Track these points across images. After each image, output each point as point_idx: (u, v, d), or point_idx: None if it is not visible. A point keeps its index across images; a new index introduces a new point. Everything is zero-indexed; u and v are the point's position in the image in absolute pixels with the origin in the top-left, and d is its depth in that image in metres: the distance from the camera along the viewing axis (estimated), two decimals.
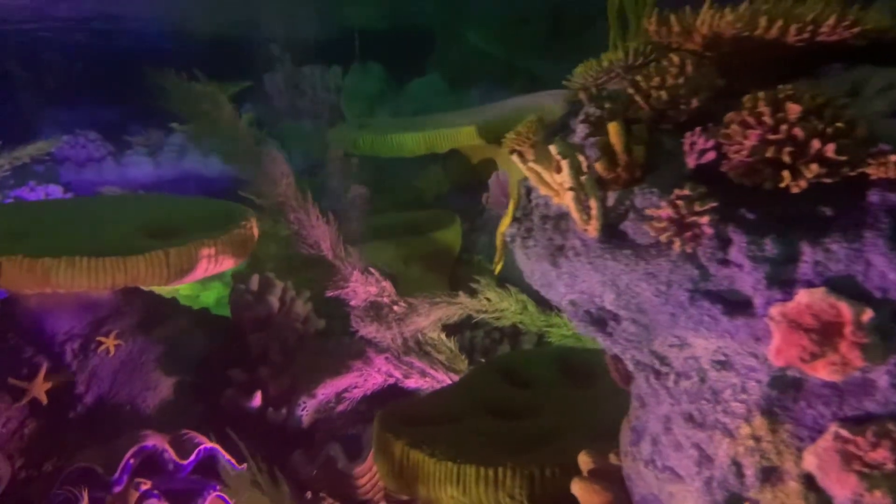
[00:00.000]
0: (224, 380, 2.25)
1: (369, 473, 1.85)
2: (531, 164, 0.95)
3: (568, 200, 0.91)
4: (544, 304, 2.26)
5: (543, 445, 1.35)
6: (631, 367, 1.00)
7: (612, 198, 0.93)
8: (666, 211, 0.83)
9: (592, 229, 0.91)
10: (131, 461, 1.67)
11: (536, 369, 1.63)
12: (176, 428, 2.08)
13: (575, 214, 0.92)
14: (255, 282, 2.40)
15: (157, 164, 5.01)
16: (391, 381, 1.86)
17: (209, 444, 1.74)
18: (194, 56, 5.53)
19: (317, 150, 5.24)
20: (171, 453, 1.69)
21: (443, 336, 2.17)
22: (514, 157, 0.98)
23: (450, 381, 1.87)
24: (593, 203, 0.91)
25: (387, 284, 1.99)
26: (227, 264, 1.96)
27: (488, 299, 1.99)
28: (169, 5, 5.06)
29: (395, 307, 1.96)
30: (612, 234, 0.92)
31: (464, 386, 1.62)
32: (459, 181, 3.68)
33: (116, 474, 1.66)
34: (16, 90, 5.25)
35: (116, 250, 1.85)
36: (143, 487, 1.66)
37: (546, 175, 0.95)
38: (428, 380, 1.83)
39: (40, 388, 1.97)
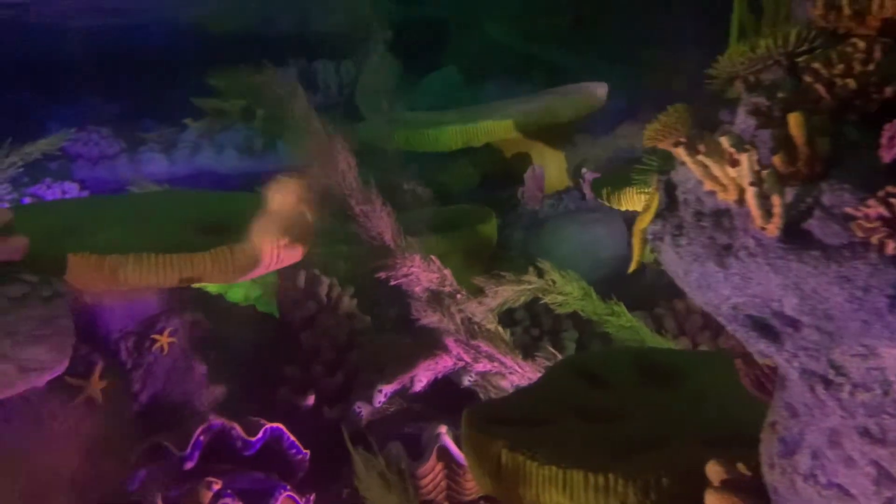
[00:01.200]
0: (276, 377, 2.18)
1: (432, 474, 1.78)
2: (700, 158, 0.87)
3: (748, 197, 0.84)
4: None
5: (646, 451, 1.28)
6: (794, 375, 0.92)
7: (789, 194, 0.85)
8: (876, 209, 0.75)
9: (773, 228, 0.84)
10: (201, 438, 1.61)
11: (613, 370, 1.56)
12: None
13: (755, 212, 0.84)
14: (301, 278, 2.33)
15: (171, 160, 4.90)
16: (460, 364, 1.79)
17: (274, 425, 1.67)
18: (206, 51, 5.44)
19: None
20: (239, 430, 1.64)
21: (499, 328, 2.11)
22: (679, 150, 0.90)
23: (517, 367, 1.80)
24: (776, 200, 0.83)
25: (447, 273, 1.93)
26: (288, 260, 1.88)
27: (553, 280, 1.94)
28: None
29: (458, 294, 1.90)
30: (795, 234, 0.84)
31: (543, 387, 1.55)
32: (488, 175, 3.60)
33: (188, 450, 1.60)
34: (23, 85, 5.13)
35: (175, 247, 1.77)
36: (216, 487, 1.59)
37: (717, 169, 0.87)
38: (496, 364, 1.77)
39: (96, 387, 1.90)
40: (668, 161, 1.02)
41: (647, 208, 1.14)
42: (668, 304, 2.55)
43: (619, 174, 2.48)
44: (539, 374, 1.78)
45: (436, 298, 1.87)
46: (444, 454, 1.76)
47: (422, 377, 1.87)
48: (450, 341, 1.76)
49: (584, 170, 3.06)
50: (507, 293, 1.91)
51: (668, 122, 1.00)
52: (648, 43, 4.63)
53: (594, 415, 1.39)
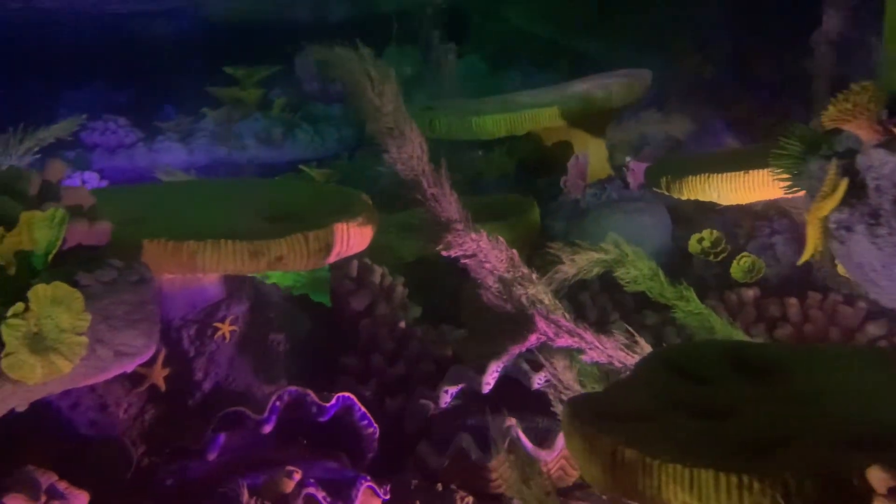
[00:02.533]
0: (334, 367, 2.21)
1: (503, 467, 1.78)
2: None
3: None
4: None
5: (772, 451, 1.19)
6: None
7: None
8: None
9: None
10: (277, 403, 1.65)
11: (706, 364, 1.54)
12: None
13: None
14: (354, 267, 2.36)
15: (189, 149, 4.94)
16: (542, 339, 1.83)
17: (346, 394, 1.71)
18: (223, 39, 5.46)
19: (350, 134, 5.19)
20: (313, 396, 1.68)
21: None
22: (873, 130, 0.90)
23: (597, 343, 1.83)
24: None
25: (513, 253, 1.97)
26: (357, 247, 1.92)
27: (627, 254, 1.97)
28: None
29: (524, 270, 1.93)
30: None
31: (638, 382, 1.54)
32: (522, 164, 3.64)
33: (265, 414, 1.66)
34: (40, 72, 5.15)
35: (243, 234, 1.81)
36: (296, 476, 1.63)
37: None
38: (576, 339, 1.80)
39: (159, 375, 1.94)
40: (832, 143, 1.02)
41: (825, 195, 1.11)
42: (718, 296, 2.57)
43: (678, 162, 2.52)
44: (618, 352, 1.80)
45: (503, 284, 1.90)
46: (516, 447, 1.77)
47: (490, 378, 1.90)
48: (537, 316, 1.79)
49: (628, 158, 3.10)
50: (582, 262, 1.94)
51: (858, 101, 0.99)
52: (675, 30, 4.67)
53: (701, 411, 1.35)
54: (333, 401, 1.72)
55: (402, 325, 2.21)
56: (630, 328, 1.85)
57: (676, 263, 2.92)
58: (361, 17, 5.64)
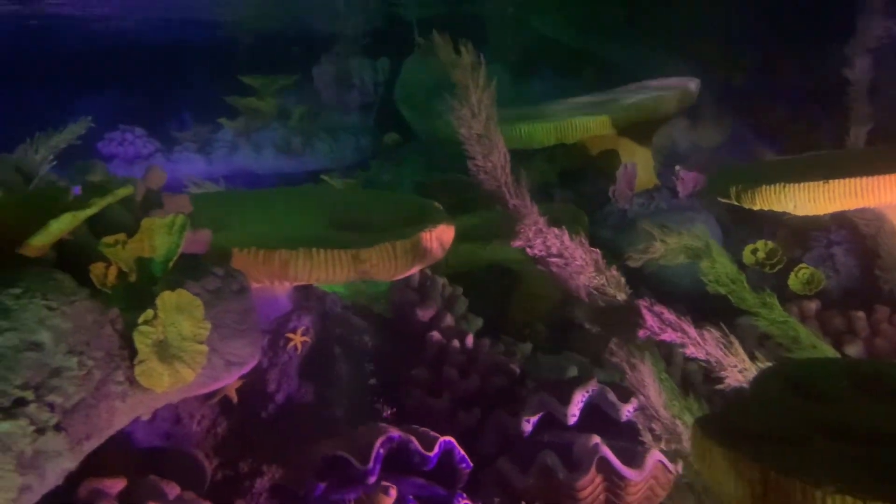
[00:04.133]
0: (404, 379, 2.23)
1: (591, 486, 1.79)
2: None
3: None
4: None
5: None
6: None
7: None
8: None
9: None
10: (381, 451, 1.66)
11: (828, 382, 1.51)
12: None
13: None
14: (416, 278, 2.39)
15: (208, 160, 4.97)
16: (647, 334, 1.85)
17: (447, 438, 1.73)
18: (239, 49, 5.50)
19: (368, 143, 5.22)
20: (416, 444, 1.68)
21: None
22: None
23: (700, 339, 1.85)
24: None
25: (597, 253, 1.99)
26: (438, 256, 1.95)
27: (712, 248, 1.98)
28: None
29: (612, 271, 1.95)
30: None
31: (761, 398, 1.52)
32: (564, 173, 3.68)
33: (370, 464, 1.64)
34: (54, 82, 5.17)
35: (322, 242, 1.83)
36: (393, 493, 1.65)
37: None
38: (679, 334, 1.83)
39: (231, 386, 1.95)
40: None
41: None
42: None
43: (743, 170, 2.55)
44: (717, 350, 1.82)
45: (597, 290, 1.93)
46: (605, 466, 1.77)
47: (576, 410, 1.90)
48: (644, 309, 1.82)
49: (677, 167, 3.15)
50: (673, 243, 1.96)
51: None
52: (705, 37, 4.73)
53: (840, 433, 1.30)
54: (436, 449, 1.70)
55: (471, 337, 2.22)
56: (726, 330, 1.87)
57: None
58: (381, 26, 5.69)
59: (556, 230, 1.91)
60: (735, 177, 2.42)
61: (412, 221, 2.01)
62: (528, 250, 1.90)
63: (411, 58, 5.42)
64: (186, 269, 1.49)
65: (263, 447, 2.02)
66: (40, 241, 1.13)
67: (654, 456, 1.79)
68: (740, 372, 1.83)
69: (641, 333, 1.81)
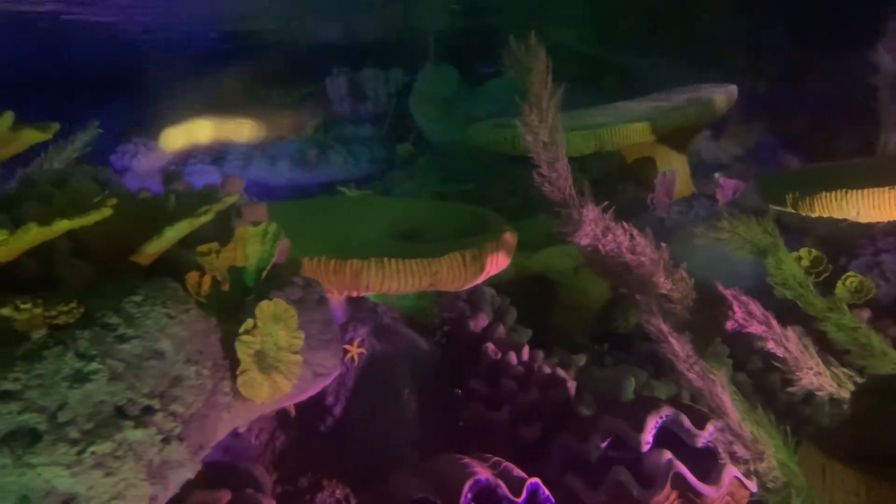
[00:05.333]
0: (459, 392, 2.24)
1: (666, 503, 1.78)
2: None
3: None
4: None
5: None
6: None
7: None
8: None
9: None
10: (469, 495, 1.64)
11: None
12: (426, 443, 2.08)
13: None
14: (465, 289, 2.41)
15: (222, 172, 4.99)
16: (736, 327, 1.86)
17: (534, 480, 1.72)
18: (253, 61, 5.54)
19: (382, 155, 5.26)
20: (504, 489, 1.67)
21: None
22: None
23: (783, 336, 1.86)
24: None
25: (663, 248, 2.01)
26: (503, 266, 1.97)
27: (780, 246, 1.99)
28: (227, 9, 5.05)
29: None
30: None
31: (875, 414, 1.51)
32: (595, 181, 3.70)
33: None
34: (65, 94, 5.18)
35: (386, 252, 1.84)
36: None
37: None
38: (765, 328, 1.84)
39: None
40: None
41: None
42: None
43: (794, 177, 2.58)
44: (797, 349, 1.83)
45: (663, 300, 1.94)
46: (680, 482, 1.77)
47: (650, 437, 1.85)
48: (734, 301, 1.83)
49: (717, 174, 3.18)
50: (742, 232, 1.97)
51: None
52: (729, 45, 4.78)
53: None
54: (524, 494, 1.66)
55: (527, 348, 2.24)
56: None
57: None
58: (395, 37, 5.74)
59: (624, 225, 1.92)
60: (784, 184, 2.44)
61: (472, 231, 2.03)
62: (601, 247, 1.90)
63: (427, 68, 5.46)
64: (269, 279, 1.50)
65: (323, 461, 2.03)
66: (155, 247, 1.15)
67: (730, 472, 1.79)
68: (815, 375, 1.84)
69: (729, 325, 1.82)
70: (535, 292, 3.20)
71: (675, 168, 3.22)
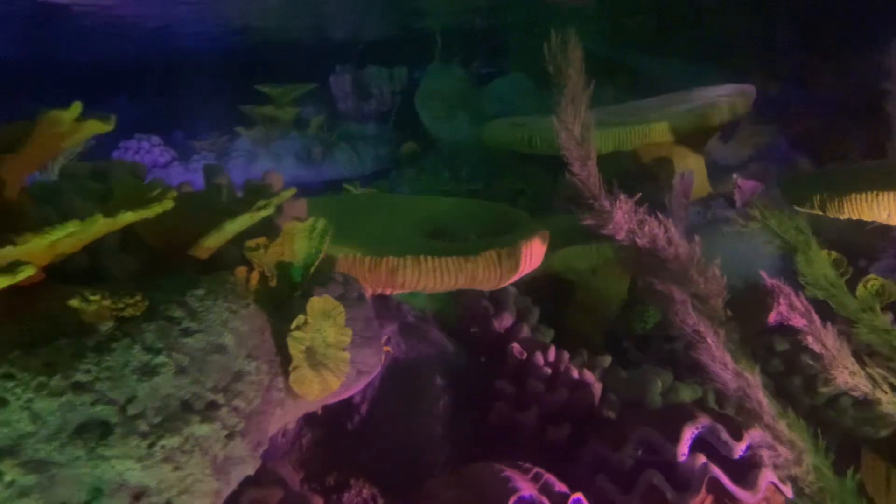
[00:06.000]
0: (485, 391, 2.25)
1: None
2: None
3: None
4: None
5: None
6: None
7: None
8: None
9: None
10: None
11: None
12: (453, 443, 2.09)
13: None
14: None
15: (226, 169, 4.97)
16: (779, 319, 1.86)
17: (577, 496, 1.71)
18: (256, 57, 5.54)
19: (386, 152, 5.27)
20: None
21: None
22: None
23: (822, 332, 1.86)
24: None
25: (699, 245, 2.01)
26: (535, 265, 1.98)
27: (811, 244, 1.99)
28: (232, 5, 5.06)
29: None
30: None
31: None
32: (608, 181, 3.71)
33: None
34: (61, 87, 5.17)
35: (421, 250, 1.85)
36: None
37: None
38: (807, 322, 1.84)
39: None
40: None
41: None
42: (844, 321, 2.59)
43: (823, 178, 2.59)
44: (835, 346, 1.84)
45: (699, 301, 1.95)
46: (715, 486, 1.75)
47: (685, 448, 1.82)
48: (779, 292, 1.83)
49: (735, 175, 3.19)
50: (775, 224, 1.98)
51: None
52: (739, 47, 4.80)
53: None
54: None
55: (554, 348, 2.24)
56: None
57: (790, 286, 2.99)
58: (401, 35, 5.75)
59: (659, 215, 1.93)
60: (807, 184, 2.45)
61: (501, 229, 2.03)
62: (637, 240, 1.90)
63: (433, 67, 5.47)
64: (310, 275, 1.50)
65: (349, 460, 2.03)
66: (215, 241, 1.15)
67: (767, 476, 1.78)
68: (851, 375, 1.85)
69: (772, 317, 1.82)
70: (550, 293, 3.21)
71: (691, 168, 3.23)
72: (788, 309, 1.81)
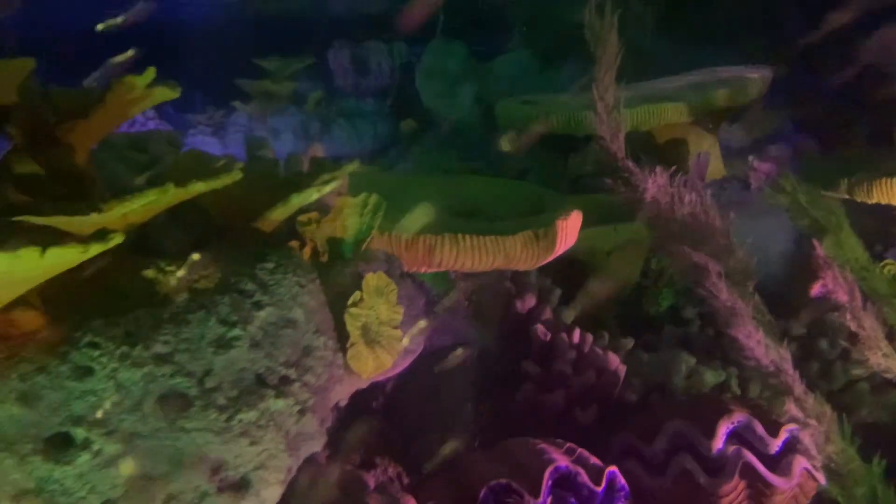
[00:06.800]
0: (507, 373, 2.26)
1: (734, 493, 1.77)
2: None
3: None
4: None
5: None
6: None
7: None
8: None
9: None
10: (550, 482, 1.65)
11: None
12: (479, 424, 2.11)
13: None
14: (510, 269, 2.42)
15: (224, 144, 4.95)
16: (824, 291, 1.88)
17: (612, 469, 1.72)
18: (253, 30, 5.49)
19: (386, 129, 5.26)
20: (584, 477, 1.67)
21: None
22: None
23: (860, 309, 1.88)
24: None
25: (729, 220, 2.01)
26: (570, 244, 1.99)
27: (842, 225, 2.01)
28: None
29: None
30: None
31: None
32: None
33: (541, 499, 1.62)
34: (52, 60, 5.09)
35: (455, 229, 1.85)
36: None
37: None
38: (849, 298, 1.86)
39: None
40: None
41: None
42: None
43: (849, 162, 2.61)
44: (872, 325, 1.86)
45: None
46: (749, 471, 1.76)
47: (721, 443, 1.82)
48: (825, 264, 1.85)
49: (751, 158, 3.21)
50: (802, 198, 1.99)
51: None
52: (749, 30, 4.81)
53: None
54: (604, 483, 1.66)
55: (578, 330, 2.25)
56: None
57: (806, 270, 3.02)
58: (402, 10, 5.69)
59: (698, 185, 1.93)
60: (833, 169, 2.47)
61: (532, 209, 2.04)
62: (675, 209, 1.90)
63: (435, 43, 5.44)
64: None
65: (375, 440, 2.03)
66: (280, 214, 1.15)
67: (800, 463, 1.78)
68: (884, 357, 1.87)
69: (816, 289, 1.84)
70: (562, 274, 3.21)
71: (706, 150, 3.25)
72: (834, 281, 1.82)
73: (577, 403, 2.14)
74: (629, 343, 2.45)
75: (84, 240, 0.79)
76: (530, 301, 2.37)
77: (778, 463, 1.80)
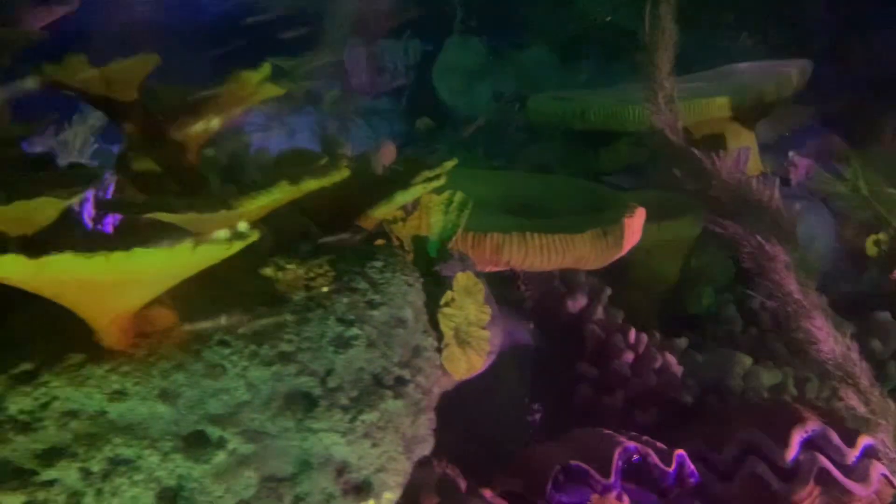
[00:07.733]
0: (561, 374, 2.26)
1: (809, 499, 1.74)
2: None
3: None
4: None
5: None
6: None
7: None
8: None
9: None
10: (620, 462, 1.66)
11: None
12: (535, 424, 2.11)
13: None
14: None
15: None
16: None
17: (681, 452, 1.73)
18: (267, 27, 5.48)
19: (401, 128, 5.27)
20: (654, 458, 1.68)
21: None
22: None
23: None
24: None
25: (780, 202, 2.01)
26: (634, 242, 1.99)
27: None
28: None
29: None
30: None
31: None
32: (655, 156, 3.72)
33: (612, 478, 1.63)
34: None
35: (535, 228, 1.84)
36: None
37: None
38: None
39: None
40: None
41: None
42: None
43: (872, 156, 2.60)
44: None
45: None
46: (825, 477, 1.73)
47: (794, 453, 1.78)
48: None
49: (790, 153, 3.22)
50: (861, 185, 1.99)
51: None
52: (771, 22, 4.82)
53: None
54: (674, 464, 1.66)
55: (634, 330, 2.25)
56: None
57: (847, 267, 3.02)
58: (417, 7, 5.69)
59: (766, 173, 1.93)
60: (882, 163, 2.47)
61: (590, 206, 2.04)
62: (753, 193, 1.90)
63: (452, 39, 5.45)
64: None
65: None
66: (383, 212, 1.15)
67: (878, 468, 1.76)
68: None
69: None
70: (602, 273, 3.21)
71: (745, 145, 3.25)
72: None
73: (635, 405, 2.14)
74: (683, 343, 2.44)
75: (227, 237, 0.79)
76: (581, 300, 2.37)
77: (854, 468, 1.78)
